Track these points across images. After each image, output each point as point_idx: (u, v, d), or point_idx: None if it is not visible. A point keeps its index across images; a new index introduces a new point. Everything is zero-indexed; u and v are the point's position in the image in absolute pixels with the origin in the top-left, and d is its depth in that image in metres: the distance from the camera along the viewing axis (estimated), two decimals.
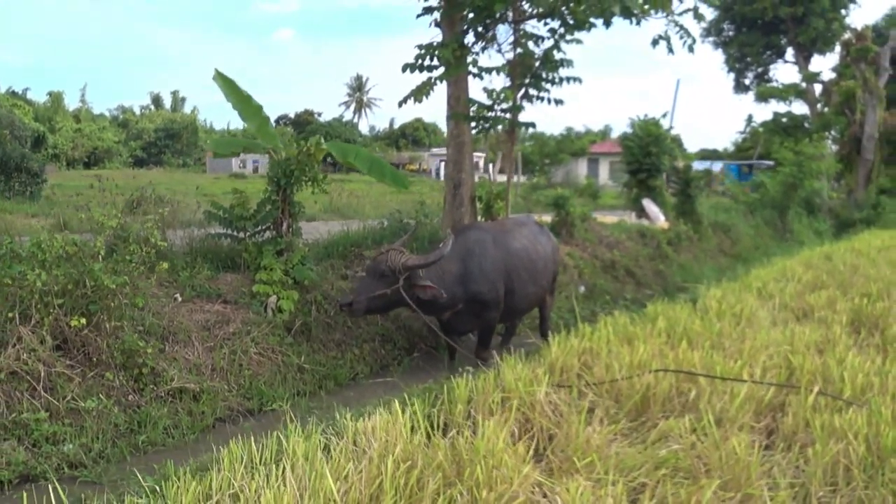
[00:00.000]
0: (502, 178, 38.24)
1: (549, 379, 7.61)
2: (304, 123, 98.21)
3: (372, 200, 26.56)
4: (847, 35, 39.80)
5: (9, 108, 62.48)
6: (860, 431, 5.88)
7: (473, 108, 12.94)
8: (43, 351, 7.35)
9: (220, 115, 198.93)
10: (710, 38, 46.60)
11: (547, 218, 17.08)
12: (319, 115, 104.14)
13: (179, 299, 9.48)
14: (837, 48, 40.58)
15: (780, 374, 7.61)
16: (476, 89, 12.99)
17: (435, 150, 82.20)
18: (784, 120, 38.98)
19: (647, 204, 20.88)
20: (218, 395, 8.22)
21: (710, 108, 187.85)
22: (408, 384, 8.12)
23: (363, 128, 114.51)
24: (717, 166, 56.14)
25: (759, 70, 45.74)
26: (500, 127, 13.06)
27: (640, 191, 21.64)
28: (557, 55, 12.62)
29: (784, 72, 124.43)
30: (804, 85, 41.02)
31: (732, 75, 46.21)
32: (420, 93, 12.15)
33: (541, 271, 10.32)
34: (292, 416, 6.26)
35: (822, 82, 40.98)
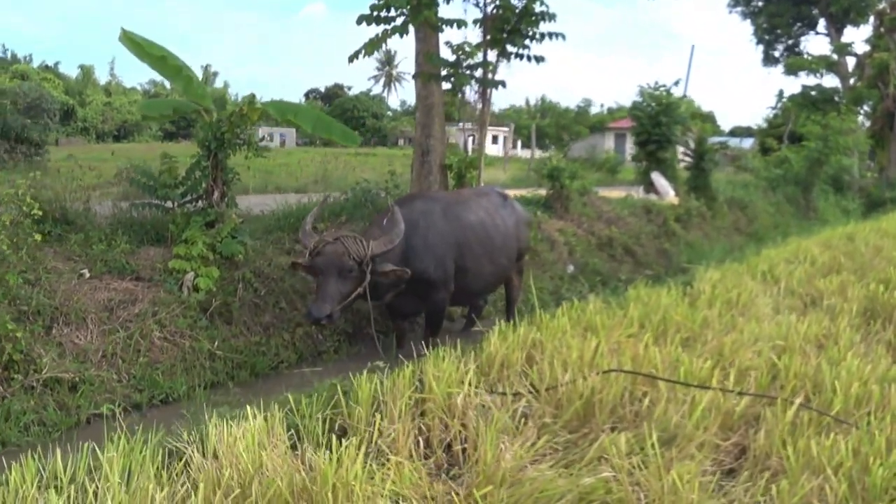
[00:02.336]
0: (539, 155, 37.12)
1: (483, 378, 6.44)
2: (332, 97, 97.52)
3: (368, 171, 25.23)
4: (881, 5, 37.65)
5: (38, 82, 62.20)
6: (843, 464, 4.57)
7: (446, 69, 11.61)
8: None
9: (254, 89, 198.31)
10: (738, 9, 44.44)
11: (541, 191, 15.78)
12: (349, 89, 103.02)
13: (87, 275, 8.34)
14: (871, 19, 38.40)
15: (761, 378, 6.27)
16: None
17: (461, 125, 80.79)
18: (813, 93, 36.96)
19: (656, 178, 19.43)
20: (102, 385, 7.09)
21: (741, 84, 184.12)
22: (340, 375, 6.88)
23: (393, 102, 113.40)
24: (748, 143, 54.37)
25: (790, 42, 43.54)
26: (472, 87, 11.75)
27: (649, 163, 20.19)
28: (538, 7, 11.24)
29: (815, 44, 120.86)
30: (835, 57, 38.87)
31: (761, 47, 44.12)
32: (372, 47, 10.90)
33: (500, 248, 9.01)
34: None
35: (855, 54, 38.76)
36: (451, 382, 5.86)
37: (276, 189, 20.11)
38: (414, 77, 11.62)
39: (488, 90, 11.91)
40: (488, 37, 11.52)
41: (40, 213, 7.51)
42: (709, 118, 58.51)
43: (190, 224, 9.03)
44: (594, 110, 61.92)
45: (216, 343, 8.15)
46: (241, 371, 8.14)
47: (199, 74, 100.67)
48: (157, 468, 4.48)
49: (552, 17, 11.31)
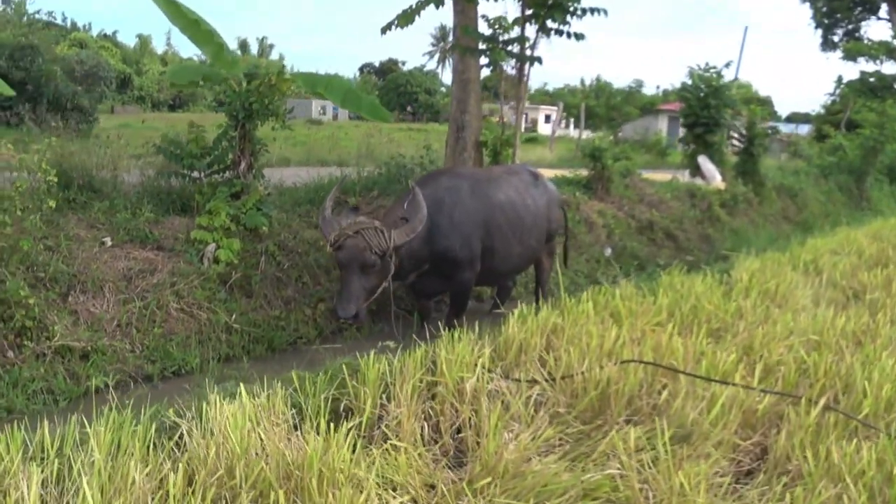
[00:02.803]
0: (588, 135, 36.52)
1: (500, 363, 6.23)
2: (387, 72, 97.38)
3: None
4: None
5: (96, 50, 63.03)
6: (865, 473, 4.27)
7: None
8: None
9: (309, 63, 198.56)
10: None
11: (583, 172, 15.42)
12: (403, 63, 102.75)
13: (109, 243, 8.26)
14: None
15: (789, 375, 5.95)
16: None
17: (514, 103, 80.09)
18: (872, 80, 35.80)
19: (703, 161, 18.88)
20: (114, 355, 7.01)
21: (800, 69, 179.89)
22: (359, 352, 6.70)
23: (447, 78, 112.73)
24: (805, 129, 52.99)
25: (849, 27, 42.24)
26: (511, 63, 11.43)
27: (696, 147, 19.63)
28: None
29: (876, 29, 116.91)
30: None
31: (820, 31, 42.86)
32: (406, 19, 10.61)
33: (529, 228, 8.73)
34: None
35: None
36: (464, 366, 5.66)
37: (318, 162, 19.95)
38: (449, 50, 11.34)
39: (525, 66, 11.58)
40: (527, 11, 11.15)
41: (55, 179, 7.39)
42: (766, 102, 57.21)
43: (216, 195, 8.91)
44: (649, 91, 61.04)
45: (234, 316, 8.03)
46: (258, 345, 8.01)
47: (256, 47, 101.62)
48: (148, 444, 4.34)
49: None
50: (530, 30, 11.42)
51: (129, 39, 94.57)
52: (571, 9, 10.99)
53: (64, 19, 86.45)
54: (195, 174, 9.36)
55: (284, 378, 5.55)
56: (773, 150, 27.90)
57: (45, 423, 4.31)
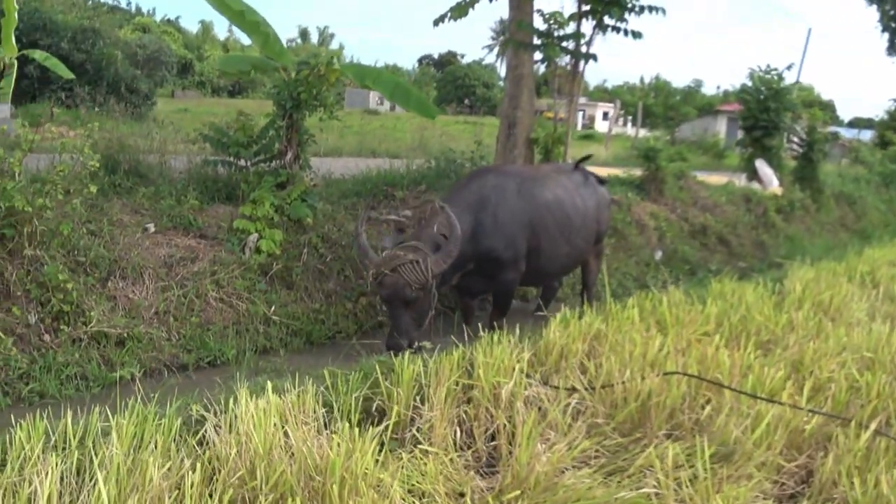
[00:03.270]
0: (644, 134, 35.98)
1: (540, 368, 6.08)
2: (445, 64, 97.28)
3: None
4: None
5: (159, 35, 63.93)
6: None
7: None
8: None
9: (370, 54, 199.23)
10: None
11: (636, 172, 15.11)
12: (462, 56, 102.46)
13: (152, 229, 8.25)
14: None
15: (839, 395, 5.69)
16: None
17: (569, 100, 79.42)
18: None
19: (761, 165, 18.42)
20: (151, 343, 6.97)
21: (865, 73, 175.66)
22: (418, 343, 6.62)
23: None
24: (867, 135, 51.66)
25: None
26: (566, 59, 11.19)
27: (754, 150, 19.17)
28: None
29: None
30: None
31: (886, 35, 41.62)
32: (459, 11, 10.43)
33: (577, 229, 8.52)
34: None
35: None
36: (501, 370, 5.51)
37: (370, 152, 19.87)
38: (503, 44, 11.14)
39: (580, 63, 11.34)
40: (584, 7, 10.91)
41: (97, 164, 7.36)
42: (828, 106, 56.00)
43: (261, 184, 8.86)
44: (709, 91, 60.05)
45: (273, 308, 7.96)
46: (296, 338, 7.93)
47: (316, 36, 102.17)
48: (174, 437, 4.27)
49: None
50: (587, 26, 11.19)
51: (191, 25, 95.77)
52: (629, 6, 10.73)
53: (128, 4, 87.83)
54: (241, 163, 9.31)
55: (318, 375, 5.45)
56: (834, 156, 27.18)
57: (69, 412, 4.25)
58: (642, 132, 37.08)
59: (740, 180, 18.92)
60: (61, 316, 6.68)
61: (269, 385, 4.70)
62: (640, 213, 13.36)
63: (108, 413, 4.28)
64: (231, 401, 4.59)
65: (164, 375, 6.79)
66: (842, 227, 19.03)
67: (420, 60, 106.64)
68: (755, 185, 18.14)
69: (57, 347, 6.49)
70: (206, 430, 4.43)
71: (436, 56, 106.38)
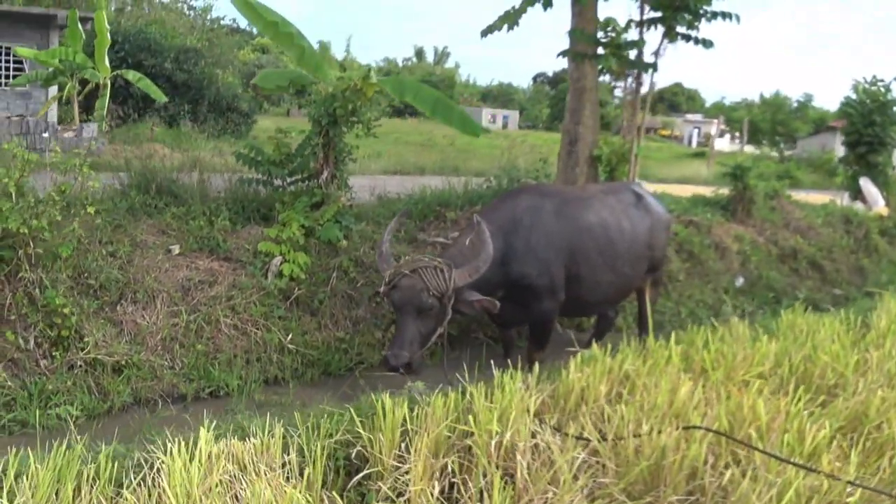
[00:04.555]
0: (751, 151, 34.44)
1: (559, 413, 5.43)
2: (559, 82, 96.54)
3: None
4: None
5: (277, 55, 65.29)
6: None
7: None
8: None
9: (486, 72, 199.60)
10: None
11: (724, 191, 14.13)
12: None
13: (176, 251, 7.95)
14: None
15: None
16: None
17: (689, 117, 77.65)
18: None
19: (865, 184, 17.06)
20: (150, 371, 6.63)
21: None
22: (429, 384, 6.00)
23: (618, 91, 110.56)
24: None
25: None
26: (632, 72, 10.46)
27: (858, 168, 17.81)
28: None
29: None
30: None
31: None
32: (508, 20, 9.82)
33: (624, 255, 7.75)
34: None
35: None
36: (505, 416, 4.89)
37: (453, 170, 19.40)
38: (561, 55, 10.47)
39: (642, 74, 10.59)
40: (648, 14, 10.17)
41: (96, 184, 7.07)
42: None
43: (295, 204, 8.47)
44: (824, 106, 57.41)
45: (290, 336, 7.51)
46: (311, 369, 7.47)
47: (432, 54, 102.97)
48: (108, 484, 3.86)
49: None
50: (654, 35, 10.45)
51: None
52: (700, 11, 9.92)
53: (249, 25, 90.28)
54: (278, 182, 8.95)
55: (295, 415, 4.97)
56: None
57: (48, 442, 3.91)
58: (748, 149, 35.46)
59: (843, 199, 17.59)
60: (59, 341, 6.42)
61: (202, 432, 4.16)
62: (721, 236, 12.41)
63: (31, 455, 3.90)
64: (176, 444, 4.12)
65: (158, 406, 6.42)
66: None
67: (535, 78, 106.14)
68: (858, 205, 16.80)
69: (51, 374, 6.22)
70: (137, 480, 3.99)
71: (550, 74, 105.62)
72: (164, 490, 3.75)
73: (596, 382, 5.66)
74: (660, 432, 4.77)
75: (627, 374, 5.89)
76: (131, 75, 20.60)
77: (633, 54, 10.48)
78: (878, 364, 6.72)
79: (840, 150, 40.86)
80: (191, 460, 4.01)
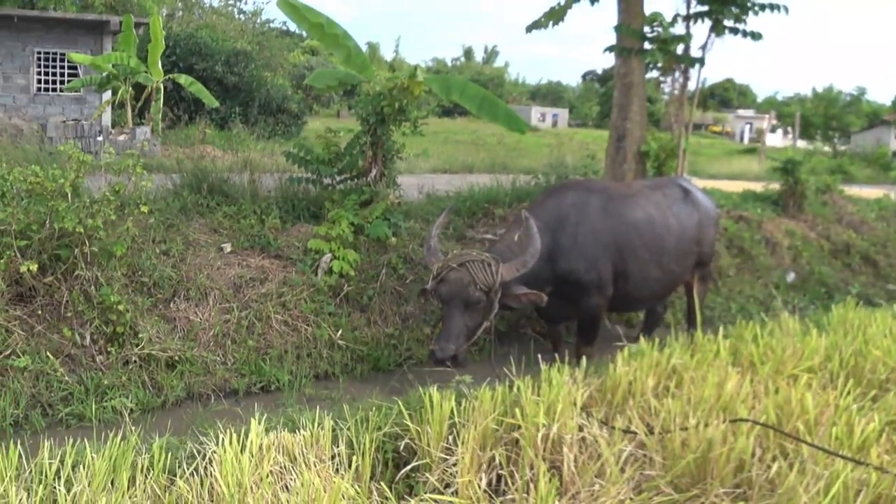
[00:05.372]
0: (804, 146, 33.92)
1: (606, 407, 5.46)
2: (608, 79, 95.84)
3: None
4: None
5: (326, 57, 65.84)
6: None
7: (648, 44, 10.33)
8: None
9: (535, 70, 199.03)
10: None
11: (775, 186, 13.96)
12: None
13: (228, 249, 8.10)
14: None
15: None
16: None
17: (741, 112, 76.51)
18: None
19: None
20: (203, 367, 6.77)
21: None
22: (477, 378, 6.06)
23: (666, 86, 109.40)
24: None
25: None
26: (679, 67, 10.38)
27: None
28: None
29: None
30: None
31: None
32: (553, 16, 9.81)
33: (671, 251, 7.73)
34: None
35: None
36: (552, 409, 4.93)
37: (502, 169, 19.39)
38: (607, 50, 10.44)
39: (689, 69, 10.51)
40: (694, 7, 10.10)
41: (149, 184, 7.23)
42: None
43: (344, 202, 8.58)
44: (878, 99, 56.23)
45: (340, 332, 7.60)
46: (361, 364, 7.54)
47: (481, 54, 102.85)
48: (168, 470, 3.99)
49: None
50: (702, 28, 10.37)
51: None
52: (748, 4, 9.82)
53: (297, 28, 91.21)
54: (327, 180, 9.06)
55: (344, 407, 5.06)
56: None
57: (46, 443, 4.03)
58: (801, 144, 34.90)
59: None
60: (115, 337, 6.57)
61: (253, 425, 4.25)
62: (772, 231, 12.28)
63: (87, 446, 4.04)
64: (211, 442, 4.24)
65: (211, 400, 6.55)
66: None
67: (584, 76, 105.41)
68: None
69: (106, 369, 6.37)
70: (190, 470, 4.10)
71: (599, 71, 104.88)
72: (216, 479, 3.85)
73: (643, 376, 5.68)
74: (707, 425, 4.77)
75: (675, 368, 5.88)
76: (183, 79, 20.93)
77: (679, 49, 10.41)
78: None
79: (895, 144, 40.20)
80: (242, 451, 4.12)
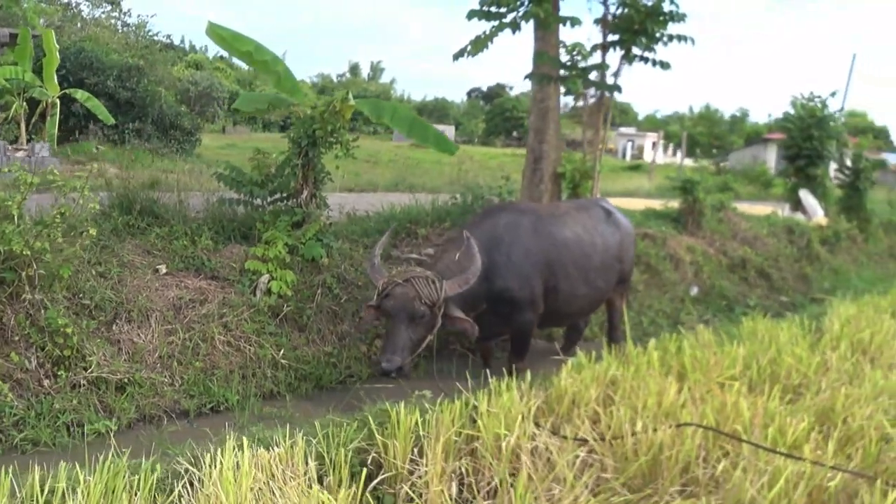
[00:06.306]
0: (689, 164, 35.31)
1: (552, 417, 5.78)
2: (494, 97, 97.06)
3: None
4: None
5: (211, 71, 64.73)
6: None
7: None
8: None
9: (420, 87, 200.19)
10: None
11: (674, 204, 14.71)
12: (510, 88, 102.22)
13: (163, 271, 8.11)
14: None
15: (868, 447, 5.28)
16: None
17: (623, 130, 78.81)
18: None
19: (805, 196, 17.90)
20: (152, 388, 6.80)
21: None
22: (418, 392, 6.29)
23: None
24: None
25: None
26: (591, 92, 10.91)
27: (798, 180, 18.65)
28: (668, 6, 10.31)
29: None
30: None
31: None
32: (478, 46, 10.20)
33: (597, 268, 8.21)
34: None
35: None
36: (508, 420, 5.22)
37: (408, 188, 19.64)
38: (526, 77, 10.89)
39: (604, 95, 11.06)
40: (609, 37, 10.65)
41: (97, 206, 7.24)
42: (882, 133, 54.74)
43: (276, 223, 8.70)
44: (759, 120, 59.02)
45: (281, 351, 7.74)
46: (304, 383, 7.70)
47: (368, 69, 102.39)
48: (144, 496, 4.07)
49: (682, 17, 10.38)
50: (614, 56, 10.94)
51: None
52: (657, 35, 10.44)
53: (181, 42, 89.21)
54: (258, 202, 9.17)
55: (315, 424, 5.23)
56: (890, 184, 26.44)
57: (36, 467, 4.08)
58: (687, 162, 36.47)
59: (784, 211, 18.39)
60: (61, 361, 6.54)
61: (245, 441, 4.41)
62: (675, 248, 12.96)
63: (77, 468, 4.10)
64: (208, 457, 4.36)
65: (163, 422, 6.60)
66: (891, 258, 18.36)
67: (469, 93, 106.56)
68: (799, 216, 17.61)
69: (55, 393, 6.35)
70: (179, 489, 4.21)
71: (484, 89, 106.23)
72: (198, 501, 3.97)
73: (585, 387, 6.04)
74: (655, 430, 5.16)
75: (614, 379, 6.27)
76: (80, 94, 20.49)
77: (594, 76, 10.95)
78: (837, 364, 7.23)
79: (771, 161, 42.36)
80: (224, 470, 4.25)
